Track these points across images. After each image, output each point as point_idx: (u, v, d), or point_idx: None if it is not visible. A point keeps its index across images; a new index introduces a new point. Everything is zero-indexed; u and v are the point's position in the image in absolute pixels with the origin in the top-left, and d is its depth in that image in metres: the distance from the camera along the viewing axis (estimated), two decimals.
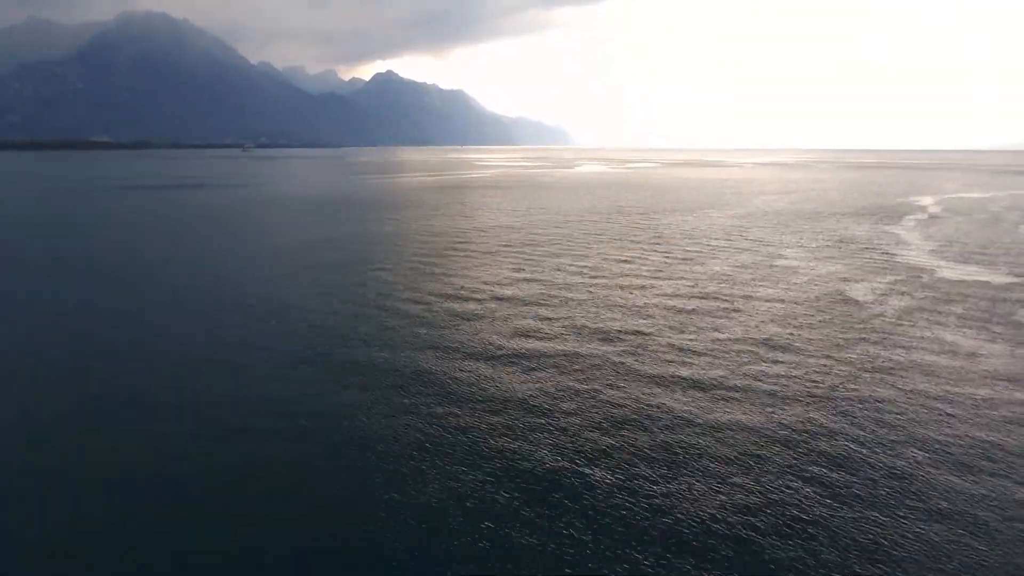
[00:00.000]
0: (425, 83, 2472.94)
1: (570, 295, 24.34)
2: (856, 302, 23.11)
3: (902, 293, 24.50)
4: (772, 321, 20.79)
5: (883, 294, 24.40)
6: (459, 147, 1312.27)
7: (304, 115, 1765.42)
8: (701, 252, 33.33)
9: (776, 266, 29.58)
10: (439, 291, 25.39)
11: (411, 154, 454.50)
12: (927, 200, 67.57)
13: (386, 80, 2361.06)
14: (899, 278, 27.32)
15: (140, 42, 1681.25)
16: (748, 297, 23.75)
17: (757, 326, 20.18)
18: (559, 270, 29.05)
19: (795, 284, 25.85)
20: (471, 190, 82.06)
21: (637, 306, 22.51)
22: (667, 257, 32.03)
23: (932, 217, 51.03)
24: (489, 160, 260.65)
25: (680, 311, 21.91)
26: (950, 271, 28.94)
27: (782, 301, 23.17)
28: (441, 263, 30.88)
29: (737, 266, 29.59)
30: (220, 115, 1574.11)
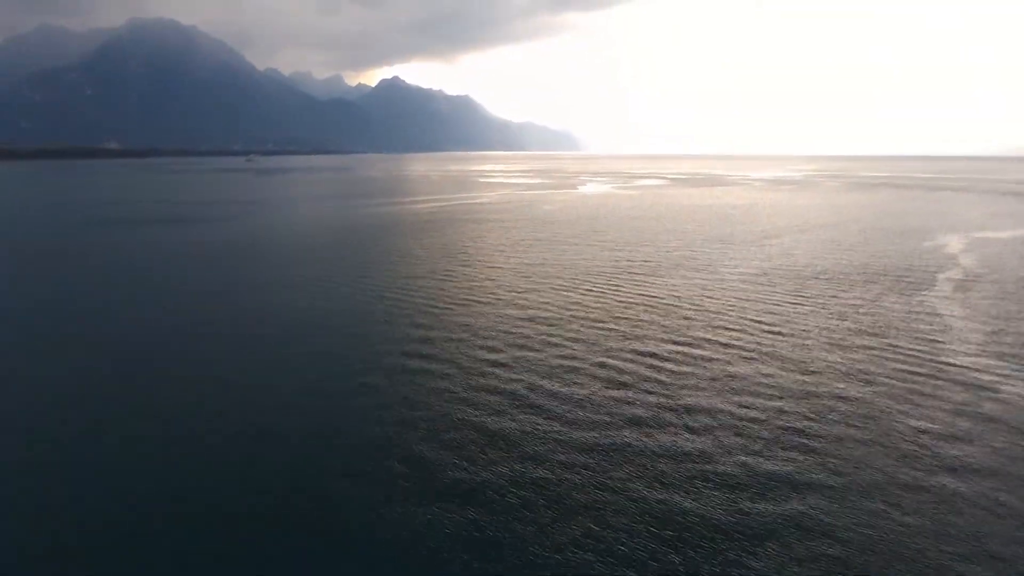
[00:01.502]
0: (432, 89, 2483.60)
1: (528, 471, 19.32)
2: (919, 458, 17.99)
3: (974, 436, 19.42)
4: (805, 531, 15.67)
5: (951, 435, 19.33)
6: (466, 153, 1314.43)
7: (311, 121, 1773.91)
8: (705, 357, 28.23)
9: (806, 385, 24.42)
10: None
11: (416, 164, 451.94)
12: (955, 243, 62.21)
13: (393, 86, 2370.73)
14: (960, 401, 22.19)
15: (149, 48, 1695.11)
16: (771, 451, 18.65)
17: (786, 525, 15.10)
18: (524, 404, 23.98)
19: (834, 429, 20.68)
20: (465, 226, 77.35)
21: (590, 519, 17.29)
22: (660, 375, 26.98)
23: (968, 277, 45.66)
24: (493, 174, 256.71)
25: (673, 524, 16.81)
26: (1017, 384, 23.81)
27: (820, 465, 18.06)
28: (362, 409, 25.50)
29: (756, 385, 24.48)
30: (228, 121, 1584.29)
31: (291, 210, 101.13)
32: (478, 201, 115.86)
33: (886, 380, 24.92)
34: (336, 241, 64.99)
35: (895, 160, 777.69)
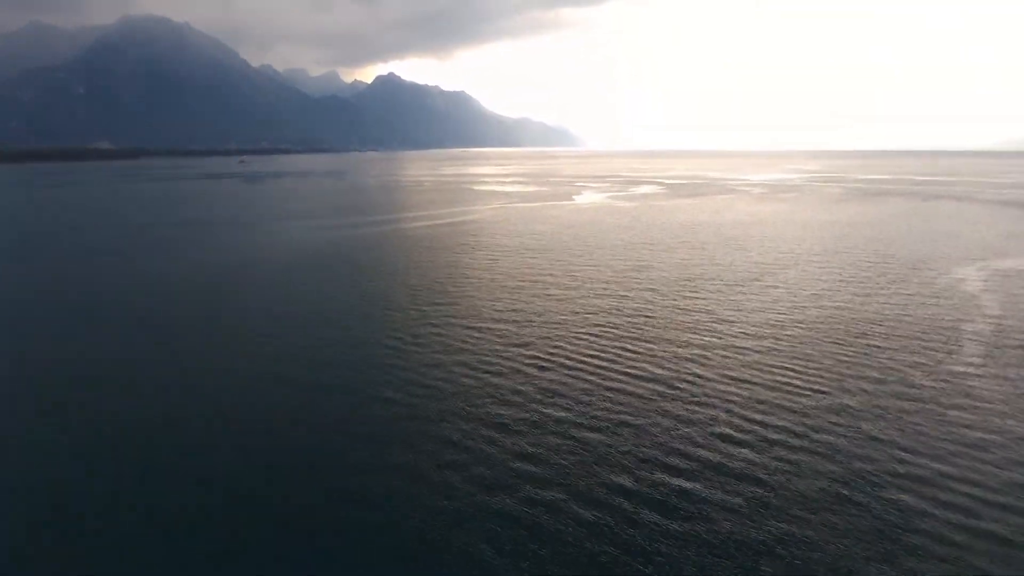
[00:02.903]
0: (427, 85, 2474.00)
1: None
2: None
3: None
4: None
5: None
6: (463, 151, 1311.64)
7: (306, 118, 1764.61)
8: (705, 490, 23.91)
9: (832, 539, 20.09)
10: None
11: (411, 165, 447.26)
12: (973, 279, 57.98)
13: (388, 82, 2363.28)
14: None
15: (141, 46, 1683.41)
16: None
17: None
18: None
19: None
20: (450, 256, 73.06)
21: None
22: (644, 528, 22.62)
23: (998, 333, 41.32)
24: (487, 179, 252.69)
25: None
26: None
27: None
28: None
29: (769, 535, 20.15)
30: (222, 119, 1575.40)
31: (268, 234, 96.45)
32: (469, 219, 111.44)
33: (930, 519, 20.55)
34: (304, 280, 60.34)
35: (893, 156, 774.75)
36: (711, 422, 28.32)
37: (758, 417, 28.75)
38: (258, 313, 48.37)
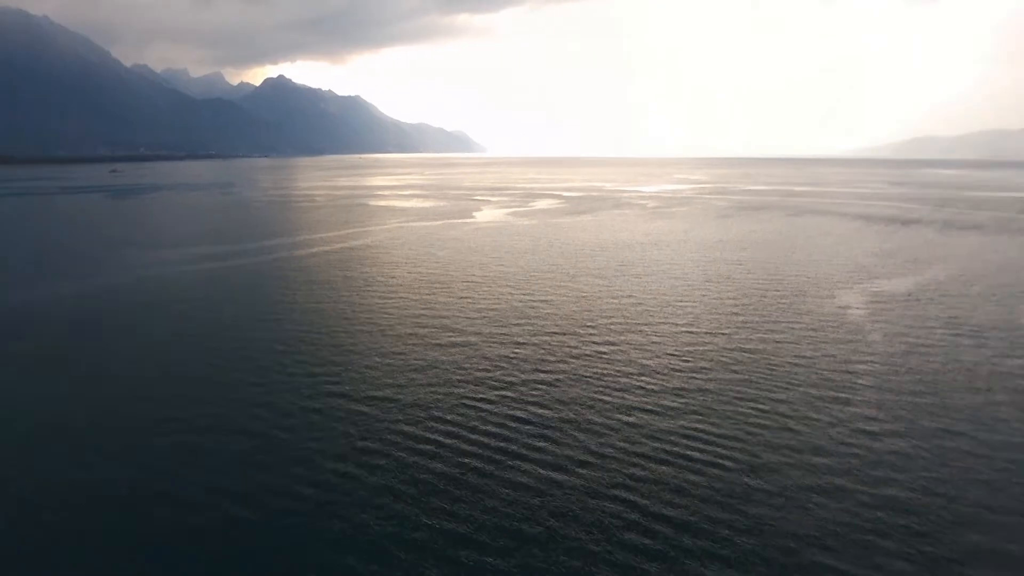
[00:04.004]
0: (320, 89, 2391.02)
1: None
2: None
3: None
4: None
5: None
6: (361, 158, 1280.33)
7: (188, 122, 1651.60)
8: None
9: None
10: None
11: (304, 176, 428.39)
12: (856, 309, 60.22)
13: (278, 85, 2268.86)
14: None
15: None
16: None
17: None
18: None
19: None
20: (329, 295, 67.45)
21: None
22: None
23: (886, 370, 42.16)
24: (384, 192, 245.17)
25: None
26: None
27: None
28: None
29: None
30: (91, 123, 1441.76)
31: (121, 269, 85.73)
32: (363, 243, 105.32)
33: None
34: (148, 334, 52.82)
35: (764, 165, 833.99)
36: (602, 512, 25.62)
37: (670, 501, 26.38)
38: (85, 371, 41.06)
